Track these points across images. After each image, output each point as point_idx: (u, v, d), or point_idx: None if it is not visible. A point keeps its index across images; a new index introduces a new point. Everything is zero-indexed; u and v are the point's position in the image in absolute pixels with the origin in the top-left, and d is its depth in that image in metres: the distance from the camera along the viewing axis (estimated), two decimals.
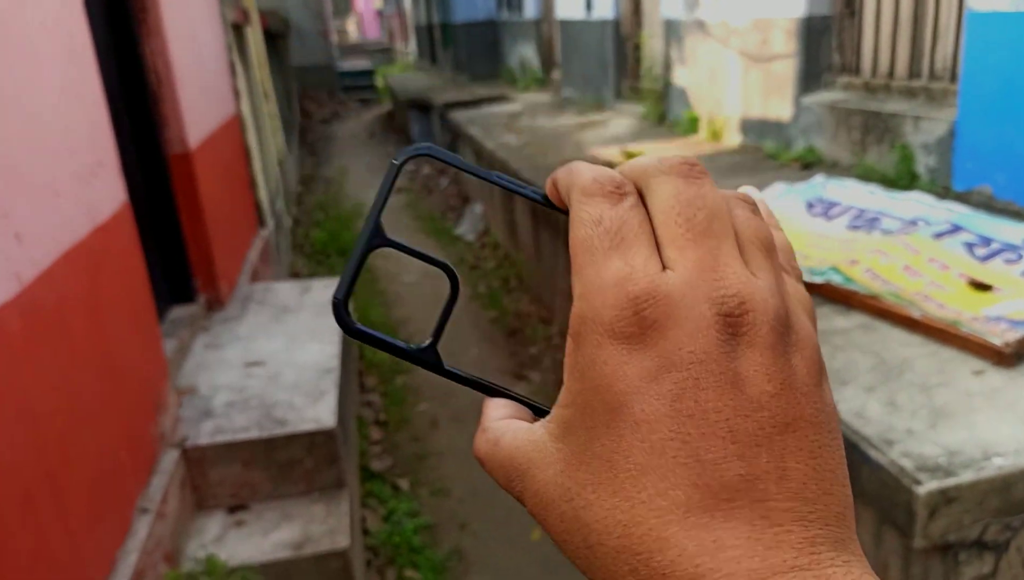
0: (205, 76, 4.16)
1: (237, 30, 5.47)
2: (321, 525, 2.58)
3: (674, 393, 0.24)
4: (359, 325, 0.31)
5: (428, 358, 0.31)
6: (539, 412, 0.31)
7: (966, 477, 1.82)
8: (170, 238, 3.52)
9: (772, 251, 0.28)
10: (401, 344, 0.31)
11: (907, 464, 1.87)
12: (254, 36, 6.26)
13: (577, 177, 0.28)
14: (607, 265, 0.26)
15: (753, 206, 0.29)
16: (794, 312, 0.27)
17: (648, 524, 0.24)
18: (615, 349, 0.25)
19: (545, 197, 0.31)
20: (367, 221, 0.32)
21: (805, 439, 0.25)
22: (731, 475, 0.24)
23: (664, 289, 0.25)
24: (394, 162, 0.32)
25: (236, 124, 4.84)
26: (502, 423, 0.30)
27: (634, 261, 0.26)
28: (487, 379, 0.32)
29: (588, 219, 0.27)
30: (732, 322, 0.25)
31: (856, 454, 1.98)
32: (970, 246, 2.95)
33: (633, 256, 0.26)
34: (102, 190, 2.36)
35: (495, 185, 0.32)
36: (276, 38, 9.27)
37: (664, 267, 0.26)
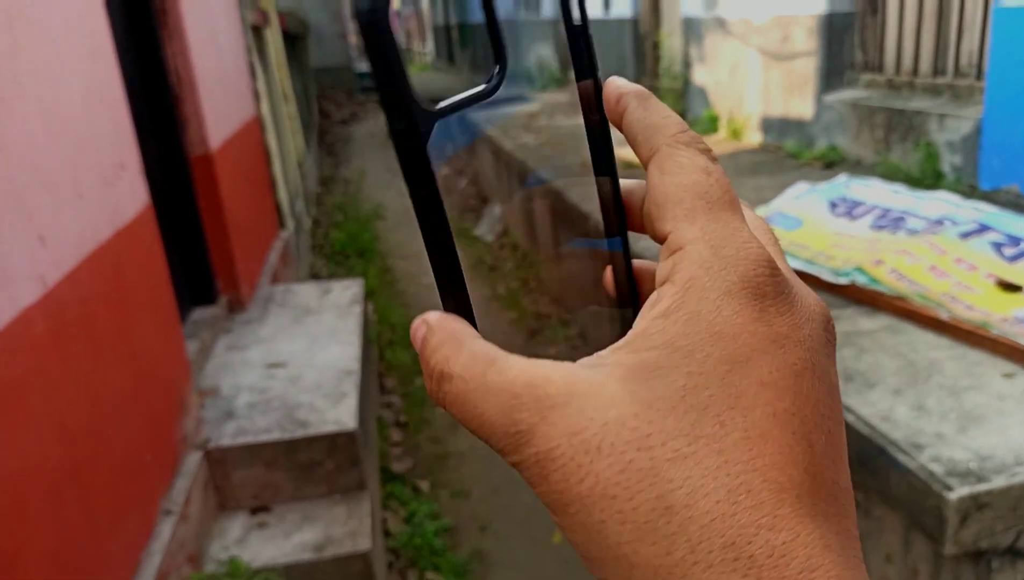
0: (225, 78, 4.18)
1: (257, 32, 5.49)
2: (343, 527, 2.58)
3: (797, 369, 0.23)
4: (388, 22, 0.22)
5: (421, 123, 0.23)
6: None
7: (998, 482, 1.78)
8: (192, 239, 3.54)
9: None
10: (410, 85, 0.23)
11: (937, 469, 1.84)
12: (273, 38, 6.28)
13: (660, 118, 0.28)
14: (733, 218, 0.25)
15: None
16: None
17: (761, 496, 0.22)
18: (748, 302, 0.24)
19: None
20: None
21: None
22: (829, 477, 0.23)
23: (771, 260, 0.25)
24: None
25: (256, 125, 4.86)
26: (490, 346, 0.25)
27: (747, 228, 0.25)
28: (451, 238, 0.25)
29: (696, 167, 0.26)
30: (830, 327, 0.26)
31: (884, 458, 1.95)
32: (998, 246, 2.90)
33: (742, 221, 0.25)
34: (125, 192, 2.37)
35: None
36: (295, 40, 9.32)
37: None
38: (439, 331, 0.25)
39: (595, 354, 0.25)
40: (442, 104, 0.24)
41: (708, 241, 0.24)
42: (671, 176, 0.26)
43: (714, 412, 0.22)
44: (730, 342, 0.23)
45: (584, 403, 0.23)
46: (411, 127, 0.23)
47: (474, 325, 0.26)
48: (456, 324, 0.26)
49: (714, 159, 0.27)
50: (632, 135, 0.28)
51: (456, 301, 0.26)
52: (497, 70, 0.26)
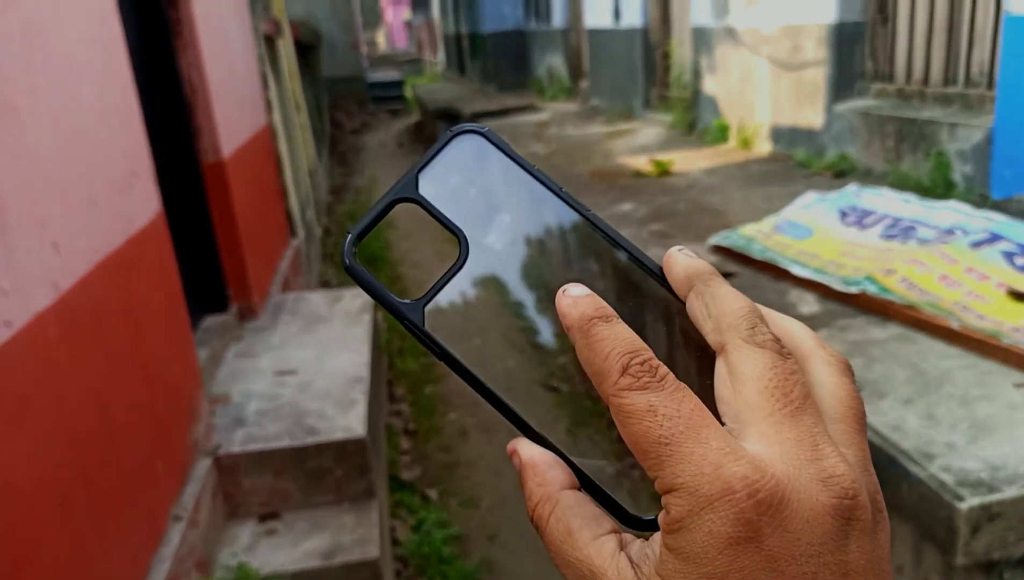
0: (238, 87, 4.21)
1: (269, 42, 5.54)
2: (351, 535, 2.58)
3: None
4: (359, 265, 0.31)
5: (411, 315, 0.31)
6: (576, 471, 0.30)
7: (1010, 493, 1.77)
8: (203, 247, 3.56)
9: (864, 425, 0.28)
10: (390, 295, 0.31)
11: (948, 479, 1.83)
12: (286, 48, 6.33)
13: (600, 363, 0.28)
14: (691, 451, 0.25)
15: (850, 372, 0.29)
16: (879, 487, 0.27)
17: None
18: (732, 539, 0.24)
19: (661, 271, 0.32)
20: (406, 174, 0.32)
21: None
22: None
23: (772, 473, 0.25)
24: (449, 131, 0.33)
25: (268, 134, 4.89)
26: (568, 513, 0.29)
27: (719, 442, 0.25)
28: (482, 376, 0.31)
29: (639, 412, 0.26)
30: (846, 509, 0.25)
31: (895, 468, 1.94)
32: (1009, 256, 2.88)
33: (711, 436, 0.25)
34: (137, 200, 2.39)
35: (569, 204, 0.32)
36: (307, 50, 9.38)
37: (742, 439, 0.26)
38: (530, 476, 0.30)
39: (642, 549, 0.27)
40: (424, 295, 0.32)
41: (685, 487, 0.25)
42: (624, 426, 0.27)
43: None
44: None
45: None
46: (407, 320, 0.31)
47: (543, 440, 0.31)
48: (541, 470, 0.30)
49: (659, 385, 0.26)
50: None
51: (520, 425, 0.31)
52: (462, 249, 0.33)
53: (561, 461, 0.30)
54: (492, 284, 0.32)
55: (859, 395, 0.28)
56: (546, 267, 0.32)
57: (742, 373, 0.27)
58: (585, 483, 0.30)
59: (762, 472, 0.25)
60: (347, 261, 0.31)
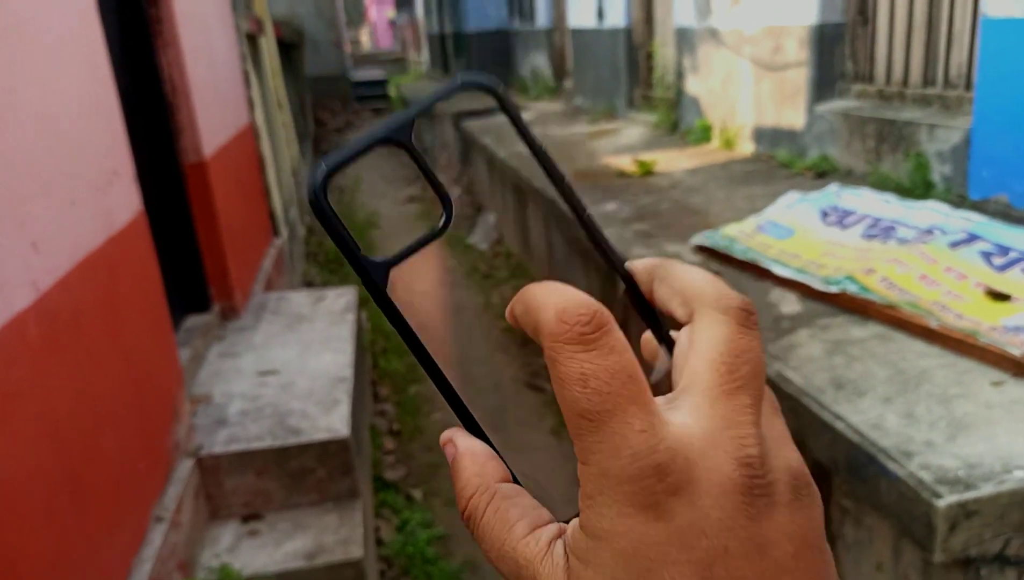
0: (220, 86, 4.19)
1: (251, 40, 5.50)
2: (334, 535, 2.57)
3: (705, 561, 0.24)
4: (328, 203, 0.27)
5: (375, 273, 0.28)
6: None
7: (986, 490, 1.79)
8: (185, 247, 3.54)
9: (778, 407, 0.29)
10: (355, 247, 0.28)
11: (926, 477, 1.85)
12: (268, 46, 6.30)
13: (539, 315, 0.26)
14: (614, 431, 0.25)
15: (749, 322, 0.29)
16: (804, 466, 0.27)
17: None
18: (640, 517, 0.24)
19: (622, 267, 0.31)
20: (402, 113, 0.29)
21: None
22: None
23: (685, 452, 0.25)
24: (459, 80, 0.30)
25: (250, 133, 4.87)
26: (507, 504, 0.28)
27: (642, 422, 0.25)
28: (433, 360, 0.29)
29: (570, 378, 0.25)
30: (755, 486, 0.25)
31: (874, 467, 1.97)
32: (987, 255, 2.92)
33: (636, 415, 0.25)
34: (118, 199, 2.38)
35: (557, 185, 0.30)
36: (290, 48, 9.33)
37: (676, 411, 0.26)
38: (467, 466, 0.30)
39: (570, 530, 0.27)
40: (394, 254, 0.29)
41: (595, 461, 0.25)
42: (556, 390, 0.26)
43: None
44: (633, 559, 0.25)
45: None
46: (369, 279, 0.28)
47: (481, 433, 0.30)
48: (480, 460, 0.30)
49: (596, 341, 0.25)
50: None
51: (461, 414, 0.30)
52: (444, 215, 0.30)
53: (497, 455, 0.30)
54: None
55: (756, 352, 0.27)
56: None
57: (698, 342, 0.27)
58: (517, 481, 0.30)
59: (677, 453, 0.25)
60: (314, 194, 0.26)
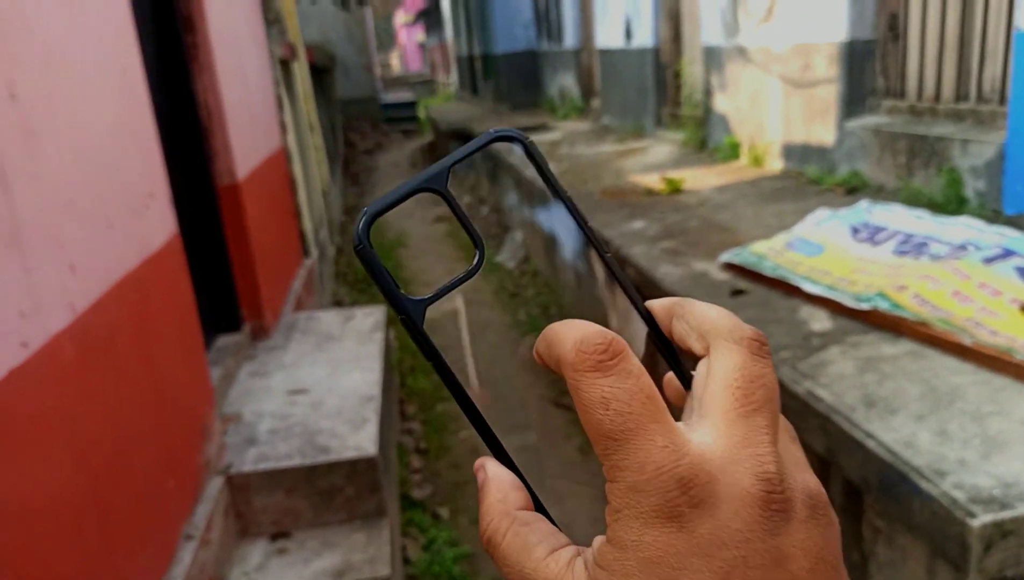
0: (253, 110, 4.27)
1: (284, 65, 5.61)
2: (362, 554, 2.58)
3: (724, 570, 0.26)
4: (371, 248, 0.30)
5: (412, 312, 0.30)
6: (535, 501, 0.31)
7: (1022, 509, 1.75)
8: (218, 268, 3.60)
9: (795, 436, 0.31)
10: (395, 286, 0.30)
11: (960, 496, 1.82)
12: (301, 71, 6.41)
13: (560, 349, 0.29)
14: (638, 448, 0.26)
15: (762, 352, 0.30)
16: (821, 489, 0.29)
17: None
18: (664, 528, 0.26)
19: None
20: (438, 164, 0.31)
21: None
22: None
23: (707, 467, 0.26)
24: (491, 132, 0.32)
25: (282, 156, 4.95)
26: (526, 531, 0.30)
27: (664, 439, 0.27)
28: (467, 391, 0.31)
29: (593, 402, 0.27)
30: (773, 500, 0.26)
31: (907, 486, 1.93)
32: (1022, 271, 2.87)
33: (657, 432, 0.27)
34: (153, 221, 2.43)
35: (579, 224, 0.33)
36: (322, 72, 9.49)
37: (695, 432, 0.28)
38: (492, 492, 0.31)
39: (596, 548, 0.28)
40: (430, 294, 0.31)
41: (622, 477, 0.27)
42: (581, 415, 0.28)
43: None
44: (657, 567, 0.26)
45: None
46: (407, 317, 0.30)
47: (510, 463, 0.32)
48: (505, 488, 0.31)
49: (613, 368, 0.27)
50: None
51: (492, 445, 0.32)
52: (478, 256, 0.32)
53: (523, 484, 0.32)
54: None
55: (770, 378, 0.29)
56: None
57: (715, 369, 0.29)
58: (540, 510, 0.31)
59: (698, 468, 0.26)
60: (358, 239, 0.29)
